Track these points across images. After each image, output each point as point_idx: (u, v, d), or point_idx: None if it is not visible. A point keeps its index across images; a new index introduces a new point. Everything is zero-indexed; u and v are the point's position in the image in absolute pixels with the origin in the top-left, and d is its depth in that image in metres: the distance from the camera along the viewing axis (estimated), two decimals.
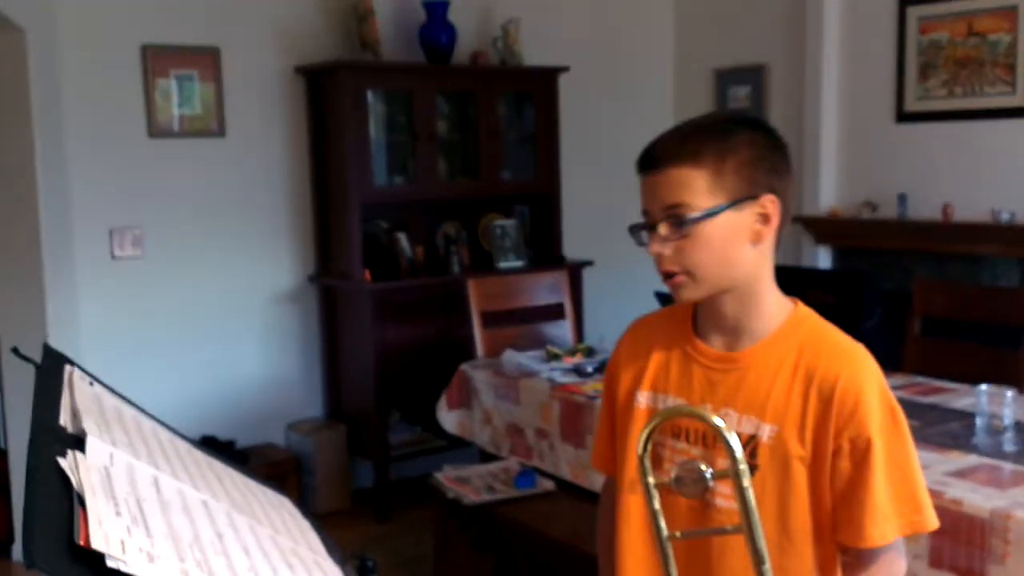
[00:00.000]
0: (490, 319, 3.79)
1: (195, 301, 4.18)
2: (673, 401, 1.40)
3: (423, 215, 4.63)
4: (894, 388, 1.36)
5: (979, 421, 2.43)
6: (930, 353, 3.29)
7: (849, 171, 4.69)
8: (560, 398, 3.03)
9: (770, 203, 1.32)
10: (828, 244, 4.75)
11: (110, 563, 0.70)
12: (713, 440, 1.33)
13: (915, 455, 1.33)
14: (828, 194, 4.72)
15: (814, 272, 4.43)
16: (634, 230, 1.37)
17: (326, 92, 4.29)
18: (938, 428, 2.46)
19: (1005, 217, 3.99)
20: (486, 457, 3.46)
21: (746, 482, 1.01)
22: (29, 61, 3.66)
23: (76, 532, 0.72)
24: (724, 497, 1.32)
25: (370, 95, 4.28)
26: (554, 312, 3.98)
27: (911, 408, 2.60)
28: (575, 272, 4.66)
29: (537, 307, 4.02)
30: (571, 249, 4.91)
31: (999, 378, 2.74)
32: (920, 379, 2.98)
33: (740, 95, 5.11)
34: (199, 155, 4.15)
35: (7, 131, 3.76)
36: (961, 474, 2.12)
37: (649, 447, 1.21)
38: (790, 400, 1.32)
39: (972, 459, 2.22)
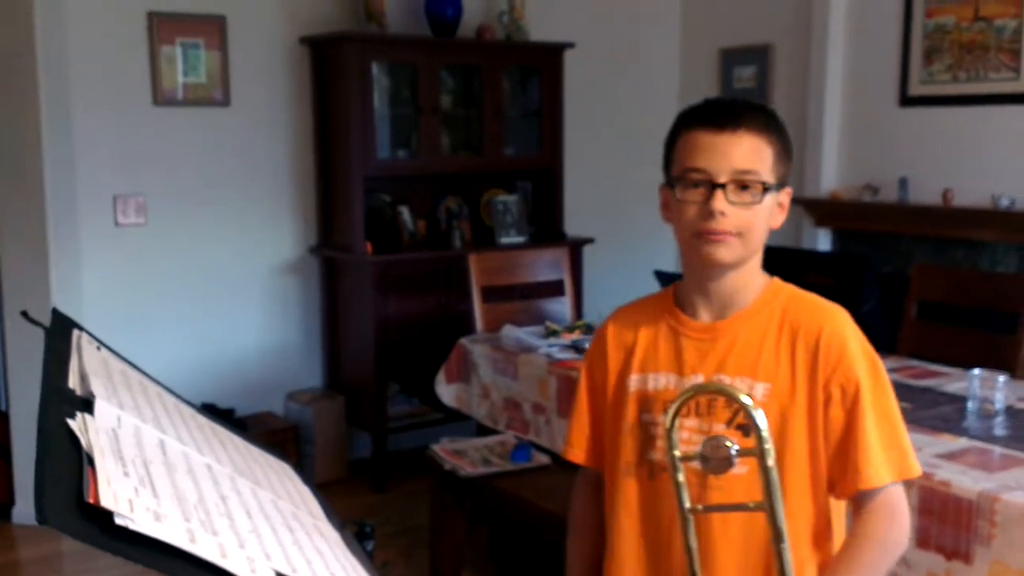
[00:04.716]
0: (490, 294, 3.81)
1: (197, 270, 4.21)
2: (664, 378, 1.44)
3: (425, 189, 4.64)
4: (889, 371, 1.42)
5: (971, 405, 2.45)
6: (926, 337, 3.31)
7: (851, 154, 4.69)
8: (557, 374, 3.05)
9: (786, 195, 1.43)
10: (828, 227, 4.76)
11: (118, 521, 0.72)
12: (708, 410, 1.37)
13: (896, 404, 1.41)
14: (829, 176, 4.73)
15: (813, 254, 4.45)
16: (682, 182, 1.36)
17: (331, 63, 4.29)
18: (930, 411, 2.49)
19: (1005, 203, 4.00)
20: (483, 431, 3.49)
21: (770, 461, 1.11)
22: (36, 26, 3.66)
23: (85, 491, 0.74)
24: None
25: (375, 67, 4.28)
26: (554, 289, 4.00)
27: (904, 391, 2.63)
28: (575, 249, 4.68)
29: (537, 283, 4.03)
30: (572, 227, 4.92)
31: (994, 363, 2.76)
32: (914, 362, 3.01)
33: (745, 75, 5.10)
34: (203, 124, 4.16)
35: (14, 97, 3.76)
36: (951, 456, 2.14)
37: (638, 427, 1.29)
38: (779, 357, 1.39)
39: (962, 442, 2.25)
